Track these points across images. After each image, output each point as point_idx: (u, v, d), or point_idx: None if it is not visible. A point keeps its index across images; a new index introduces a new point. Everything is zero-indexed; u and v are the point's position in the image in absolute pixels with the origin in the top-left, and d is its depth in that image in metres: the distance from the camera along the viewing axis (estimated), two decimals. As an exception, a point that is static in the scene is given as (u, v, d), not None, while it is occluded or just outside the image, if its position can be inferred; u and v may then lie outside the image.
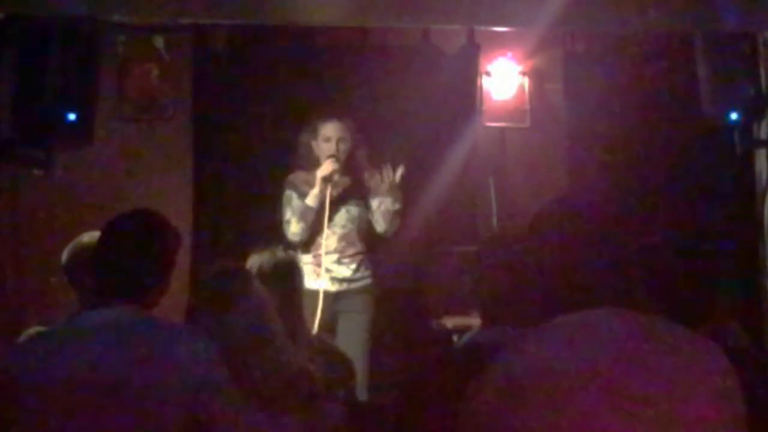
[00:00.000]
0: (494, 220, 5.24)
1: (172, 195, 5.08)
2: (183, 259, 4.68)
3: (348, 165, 4.50)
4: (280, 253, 3.15)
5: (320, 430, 2.46)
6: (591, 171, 5.32)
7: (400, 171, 4.46)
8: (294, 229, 4.41)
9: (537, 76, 5.58)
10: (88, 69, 4.29)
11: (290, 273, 3.11)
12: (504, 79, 5.54)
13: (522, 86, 5.57)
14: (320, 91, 5.16)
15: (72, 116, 4.23)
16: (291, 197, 4.49)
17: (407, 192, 4.69)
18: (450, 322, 4.97)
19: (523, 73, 5.56)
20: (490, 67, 5.50)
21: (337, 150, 4.43)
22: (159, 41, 4.88)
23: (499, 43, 5.37)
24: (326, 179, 4.36)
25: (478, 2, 4.57)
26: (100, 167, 5.10)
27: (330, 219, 4.41)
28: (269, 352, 2.49)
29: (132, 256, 2.28)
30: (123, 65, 4.87)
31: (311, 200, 4.38)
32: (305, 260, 4.42)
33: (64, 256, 2.99)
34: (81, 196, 5.00)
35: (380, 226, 4.55)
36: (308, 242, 4.47)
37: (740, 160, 5.08)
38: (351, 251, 4.50)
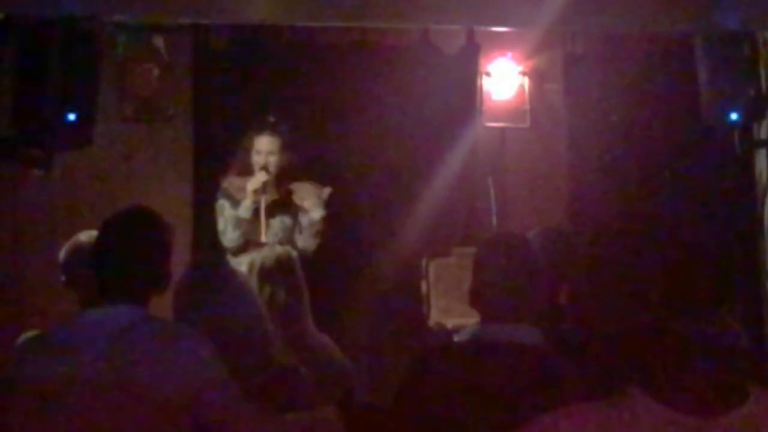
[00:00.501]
0: (494, 220, 5.24)
1: (172, 195, 5.08)
2: (183, 259, 4.71)
3: (282, 177, 4.56)
4: (278, 248, 3.14)
5: (313, 430, 2.43)
6: (591, 171, 5.33)
7: (327, 190, 4.56)
8: (230, 236, 4.52)
9: (537, 76, 5.58)
10: (88, 69, 4.29)
11: (292, 267, 3.10)
12: (504, 79, 5.54)
13: (522, 86, 5.57)
14: (320, 91, 5.16)
15: (72, 116, 4.24)
16: (223, 207, 4.60)
17: (408, 191, 4.69)
18: (450, 322, 4.97)
19: (523, 73, 5.56)
20: (490, 67, 5.50)
21: (266, 163, 4.50)
22: (159, 41, 4.88)
23: (499, 43, 5.37)
24: (257, 191, 4.47)
25: (478, 2, 4.58)
26: (100, 167, 5.10)
27: (266, 228, 4.47)
28: (247, 347, 2.45)
29: (130, 255, 2.27)
30: (123, 65, 4.87)
31: (244, 211, 4.49)
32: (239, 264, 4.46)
33: (62, 255, 2.99)
34: (81, 196, 5.00)
35: (301, 241, 4.59)
36: (243, 248, 4.51)
37: (740, 160, 5.08)
38: None
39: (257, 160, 4.56)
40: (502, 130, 5.59)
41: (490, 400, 2.09)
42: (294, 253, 3.39)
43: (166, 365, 2.13)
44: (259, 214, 4.47)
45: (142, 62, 4.88)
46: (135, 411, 2.10)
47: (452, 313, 5.07)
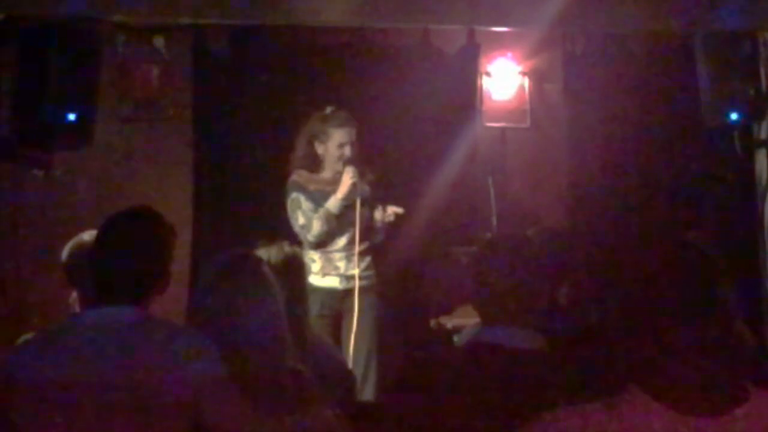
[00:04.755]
0: (494, 220, 5.24)
1: (172, 195, 5.08)
2: (183, 258, 4.72)
3: (362, 169, 4.55)
4: (288, 248, 3.14)
5: (313, 430, 2.43)
6: (591, 171, 5.32)
7: (392, 211, 4.54)
8: (318, 231, 4.44)
9: (537, 76, 5.58)
10: (88, 69, 4.29)
11: (298, 268, 3.10)
12: (504, 79, 5.54)
13: (522, 86, 5.58)
14: (320, 91, 5.16)
15: (72, 116, 4.24)
16: (299, 200, 4.51)
17: (408, 192, 4.70)
18: (450, 322, 4.97)
19: (523, 73, 5.57)
20: (490, 67, 5.50)
21: (352, 155, 4.47)
22: (159, 41, 4.87)
23: (499, 43, 5.37)
24: (356, 184, 4.43)
25: (478, 2, 4.57)
26: (100, 167, 5.10)
27: (341, 218, 4.45)
28: (271, 344, 2.45)
29: (131, 255, 2.27)
30: (123, 65, 4.87)
31: (334, 206, 4.43)
32: (313, 257, 4.45)
33: (64, 254, 2.98)
34: (81, 196, 5.00)
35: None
36: (323, 243, 4.51)
37: (740, 160, 5.08)
38: (359, 249, 4.53)
39: (339, 153, 4.49)
40: (502, 130, 5.59)
41: (491, 403, 2.09)
42: (302, 254, 3.38)
43: (166, 365, 2.13)
44: (355, 207, 4.43)
45: (142, 62, 4.88)
46: (135, 411, 2.10)
47: (452, 314, 5.07)
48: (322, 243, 4.49)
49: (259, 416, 2.28)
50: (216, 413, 2.18)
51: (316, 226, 4.44)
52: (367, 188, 4.54)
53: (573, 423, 1.53)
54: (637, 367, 1.57)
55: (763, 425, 1.51)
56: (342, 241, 4.50)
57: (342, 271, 4.49)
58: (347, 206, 4.47)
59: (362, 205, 4.50)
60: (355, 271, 4.48)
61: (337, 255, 4.50)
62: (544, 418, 1.56)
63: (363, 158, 4.60)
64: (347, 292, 4.46)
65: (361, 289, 4.49)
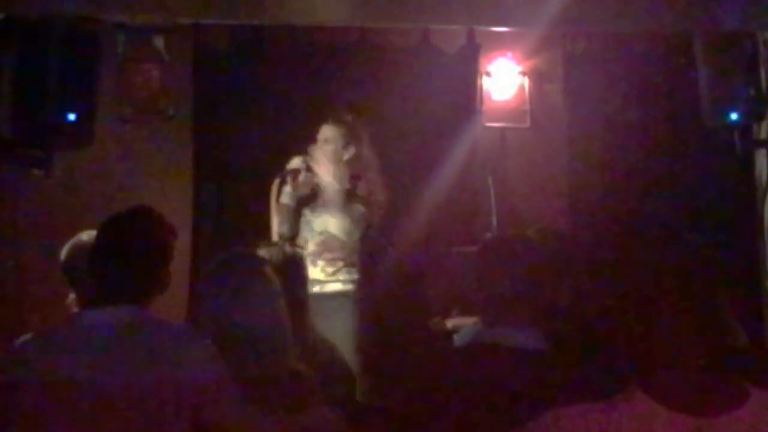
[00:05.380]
0: (494, 221, 5.24)
1: (172, 195, 5.07)
2: (183, 259, 4.71)
3: (348, 170, 4.52)
4: (289, 249, 3.14)
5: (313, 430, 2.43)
6: (591, 171, 5.33)
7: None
8: (275, 224, 4.50)
9: (537, 76, 5.58)
10: (88, 69, 4.29)
11: (299, 268, 3.09)
12: (504, 79, 5.54)
13: (522, 86, 5.58)
14: (320, 91, 5.16)
15: (72, 116, 4.24)
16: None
17: (407, 192, 4.70)
18: (450, 322, 4.97)
19: (523, 73, 5.57)
20: (490, 67, 5.50)
21: (323, 150, 4.49)
22: (159, 41, 4.86)
23: (499, 43, 5.37)
24: (295, 171, 4.42)
25: (478, 2, 4.57)
26: (100, 167, 5.10)
27: (312, 222, 4.45)
28: (272, 344, 2.45)
29: (131, 256, 2.27)
30: (123, 65, 4.86)
31: (285, 197, 4.46)
32: None
33: (63, 254, 2.98)
34: (81, 196, 5.00)
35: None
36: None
37: (740, 160, 5.08)
38: (328, 257, 4.49)
39: (323, 150, 4.51)
40: (502, 130, 5.59)
41: (491, 403, 2.09)
42: (303, 254, 3.38)
43: (166, 365, 2.13)
44: (332, 214, 4.45)
45: (142, 62, 4.87)
46: (135, 411, 2.10)
47: (452, 313, 5.07)
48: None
49: (260, 416, 2.28)
50: (216, 413, 2.18)
51: (274, 219, 4.48)
52: (360, 208, 4.50)
53: (573, 423, 1.53)
54: (637, 367, 1.57)
55: (763, 425, 1.51)
56: (310, 246, 4.48)
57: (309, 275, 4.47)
58: (318, 213, 4.47)
59: (326, 209, 4.49)
60: (320, 276, 4.44)
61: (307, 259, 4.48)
62: (544, 418, 1.56)
63: (358, 159, 4.59)
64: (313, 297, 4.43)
65: (330, 294, 4.45)
